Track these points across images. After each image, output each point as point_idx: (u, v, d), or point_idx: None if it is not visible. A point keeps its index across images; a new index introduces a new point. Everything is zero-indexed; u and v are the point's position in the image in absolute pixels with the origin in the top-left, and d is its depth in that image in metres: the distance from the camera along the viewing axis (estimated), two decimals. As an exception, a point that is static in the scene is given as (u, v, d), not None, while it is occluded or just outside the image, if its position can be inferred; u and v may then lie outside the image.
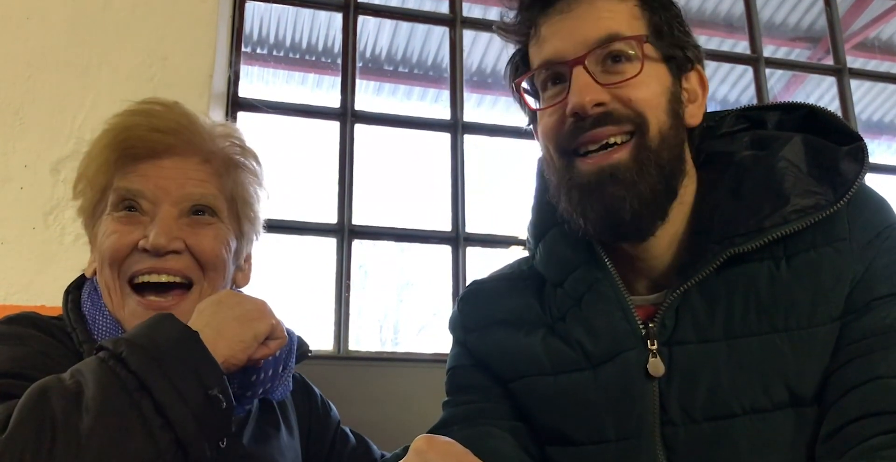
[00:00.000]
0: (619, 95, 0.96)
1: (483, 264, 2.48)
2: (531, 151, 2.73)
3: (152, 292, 1.09)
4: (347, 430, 1.38)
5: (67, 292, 1.17)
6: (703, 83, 1.07)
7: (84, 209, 1.16)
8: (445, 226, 2.34)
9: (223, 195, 1.14)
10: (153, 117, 1.11)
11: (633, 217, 0.95)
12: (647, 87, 0.98)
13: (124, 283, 1.08)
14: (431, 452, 0.65)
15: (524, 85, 1.06)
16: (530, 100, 1.07)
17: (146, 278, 1.08)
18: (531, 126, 1.11)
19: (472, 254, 2.32)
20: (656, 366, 0.96)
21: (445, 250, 2.33)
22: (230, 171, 1.17)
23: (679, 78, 1.03)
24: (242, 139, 1.21)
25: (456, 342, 1.19)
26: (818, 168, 0.98)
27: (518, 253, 2.52)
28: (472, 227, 2.34)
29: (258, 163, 1.23)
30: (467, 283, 2.21)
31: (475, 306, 1.17)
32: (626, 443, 0.97)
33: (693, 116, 1.04)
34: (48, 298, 1.85)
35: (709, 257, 0.96)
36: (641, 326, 0.99)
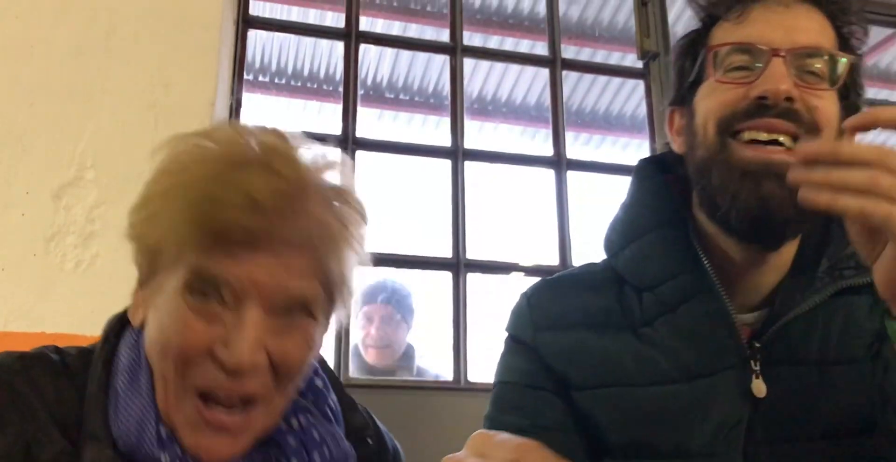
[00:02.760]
0: (807, 100, 0.95)
1: (483, 291, 2.47)
2: (530, 178, 2.74)
3: (214, 400, 0.85)
4: None
5: (106, 339, 0.89)
6: None
7: (138, 263, 0.89)
8: (446, 252, 2.33)
9: (322, 285, 0.87)
10: (251, 184, 0.80)
11: (782, 221, 0.93)
12: (831, 105, 0.97)
13: (185, 383, 0.84)
14: (488, 443, 0.64)
15: (703, 56, 1.03)
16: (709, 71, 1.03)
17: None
18: (671, 107, 1.09)
19: (473, 280, 2.31)
20: (759, 387, 0.96)
21: (446, 276, 2.32)
22: (336, 252, 0.88)
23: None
24: (357, 199, 0.93)
25: (518, 345, 1.07)
26: None
27: (519, 279, 2.53)
28: (472, 253, 2.34)
29: (365, 220, 0.94)
30: (467, 310, 2.22)
31: (550, 301, 1.08)
32: (710, 459, 0.97)
33: None
34: (49, 326, 1.84)
35: (819, 287, 0.97)
36: (747, 345, 0.98)
